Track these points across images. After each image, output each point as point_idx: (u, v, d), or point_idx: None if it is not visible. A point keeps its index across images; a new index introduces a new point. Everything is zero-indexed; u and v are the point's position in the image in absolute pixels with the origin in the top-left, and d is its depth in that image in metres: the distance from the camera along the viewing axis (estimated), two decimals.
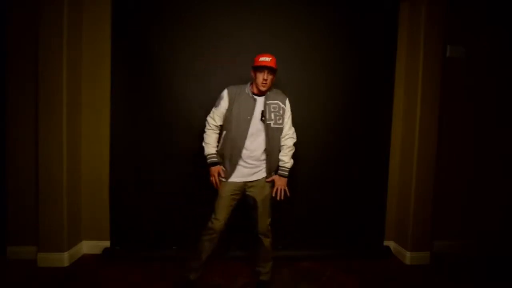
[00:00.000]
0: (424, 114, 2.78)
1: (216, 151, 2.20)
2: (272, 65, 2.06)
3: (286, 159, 2.19)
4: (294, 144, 2.24)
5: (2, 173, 2.66)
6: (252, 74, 2.15)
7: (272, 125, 2.12)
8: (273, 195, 2.18)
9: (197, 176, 2.81)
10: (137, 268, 2.59)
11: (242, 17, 2.79)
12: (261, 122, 2.11)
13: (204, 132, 2.22)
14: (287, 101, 2.21)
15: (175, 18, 2.75)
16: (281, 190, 2.17)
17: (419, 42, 2.77)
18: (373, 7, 2.89)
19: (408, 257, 2.83)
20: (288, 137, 2.21)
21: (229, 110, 2.12)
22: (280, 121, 2.15)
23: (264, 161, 2.16)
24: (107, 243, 2.83)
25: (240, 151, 2.10)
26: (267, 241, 2.24)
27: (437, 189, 2.93)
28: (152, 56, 2.75)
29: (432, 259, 2.88)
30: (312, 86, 2.87)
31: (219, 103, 2.16)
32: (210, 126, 2.19)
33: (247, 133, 2.09)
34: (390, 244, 3.06)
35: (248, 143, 2.10)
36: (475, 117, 3.06)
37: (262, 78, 2.06)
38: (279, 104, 2.16)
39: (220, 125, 2.20)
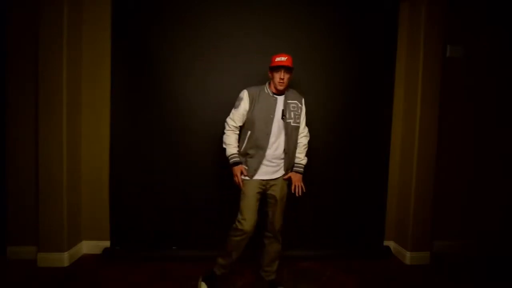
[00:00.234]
0: (424, 114, 2.78)
1: (238, 151, 2.20)
2: (288, 64, 2.10)
3: (301, 156, 2.27)
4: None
5: (2, 173, 2.67)
6: (269, 74, 2.20)
7: (291, 124, 2.17)
8: (292, 192, 2.21)
9: (197, 176, 2.82)
10: (137, 268, 2.59)
11: (242, 17, 2.79)
12: (281, 121, 2.14)
13: (223, 133, 2.23)
14: (303, 101, 2.28)
15: (175, 18, 2.75)
16: (298, 186, 2.21)
17: (419, 42, 2.77)
18: (373, 7, 2.89)
19: (408, 257, 2.83)
20: (303, 135, 2.29)
21: (250, 110, 2.15)
22: (298, 120, 2.21)
23: (283, 160, 2.19)
24: (107, 243, 2.83)
25: (264, 150, 2.12)
26: (280, 239, 2.27)
27: (437, 189, 2.93)
28: (152, 56, 2.75)
29: (432, 259, 2.88)
30: (312, 86, 2.87)
31: (238, 104, 2.17)
32: (230, 127, 2.20)
33: (270, 131, 2.12)
34: (390, 244, 3.07)
35: (271, 141, 2.13)
36: (475, 117, 3.06)
37: (279, 77, 2.10)
38: (297, 103, 2.22)
39: (240, 126, 2.21)
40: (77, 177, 2.75)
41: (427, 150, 2.81)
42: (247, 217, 2.10)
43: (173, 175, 2.81)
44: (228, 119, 2.22)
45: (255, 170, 2.14)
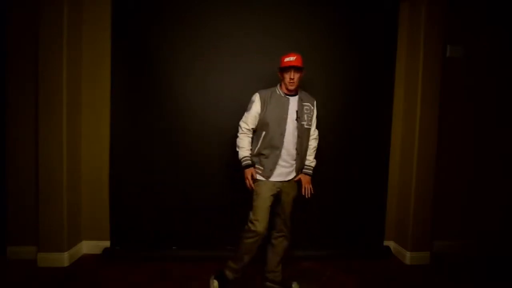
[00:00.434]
0: (424, 114, 2.78)
1: (251, 154, 2.20)
2: (297, 64, 2.10)
3: (311, 158, 2.30)
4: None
5: (2, 173, 2.67)
6: (279, 75, 2.20)
7: (305, 126, 2.19)
8: (302, 194, 2.23)
9: (197, 176, 2.82)
10: (137, 268, 2.59)
11: (242, 17, 2.79)
12: (295, 122, 2.15)
13: (237, 136, 2.23)
14: (315, 103, 2.30)
15: (175, 18, 2.75)
16: (308, 188, 2.23)
17: (419, 42, 2.77)
18: (373, 7, 2.89)
19: (408, 257, 2.83)
20: (313, 138, 2.32)
21: (263, 112, 2.15)
22: (310, 123, 2.23)
23: (295, 161, 2.19)
24: (107, 243, 2.83)
25: (279, 150, 2.12)
26: (288, 240, 2.27)
27: (437, 189, 2.93)
28: (152, 56, 2.75)
29: (432, 259, 2.88)
30: (312, 86, 2.86)
31: (250, 107, 2.18)
32: (243, 130, 2.20)
33: (285, 131, 2.12)
34: (390, 244, 3.06)
35: (286, 142, 2.13)
36: (475, 117, 3.06)
37: (289, 77, 2.11)
38: (310, 106, 2.23)
39: (253, 129, 2.21)
40: (77, 177, 2.75)
41: (427, 150, 2.81)
42: (260, 218, 2.08)
43: (173, 175, 2.81)
44: (241, 122, 2.22)
45: (271, 171, 2.12)
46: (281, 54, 2.79)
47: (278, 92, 2.19)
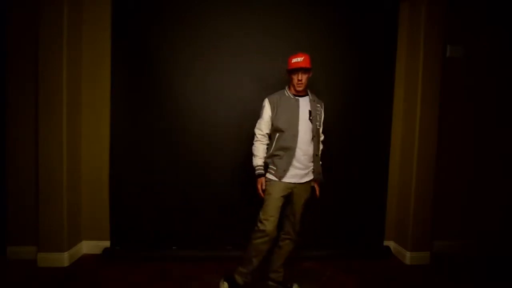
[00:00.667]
0: (424, 114, 2.78)
1: (265, 158, 2.19)
2: (305, 65, 2.09)
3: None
4: None
5: (2, 173, 2.66)
6: (288, 76, 2.19)
7: (317, 127, 2.19)
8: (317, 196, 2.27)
9: (197, 176, 2.82)
10: (137, 268, 2.59)
11: (242, 17, 2.79)
12: (308, 122, 2.14)
13: (252, 144, 2.24)
14: (323, 105, 2.29)
15: (175, 18, 2.75)
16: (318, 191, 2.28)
17: (419, 42, 2.77)
18: (373, 7, 2.89)
19: (408, 257, 2.83)
20: (321, 139, 2.32)
21: (274, 116, 2.15)
22: (320, 124, 2.24)
23: (313, 163, 2.19)
24: (107, 243, 2.83)
25: (293, 150, 2.10)
26: (294, 243, 2.25)
27: (437, 189, 2.93)
28: (152, 56, 2.75)
29: (432, 259, 2.88)
30: (312, 86, 2.85)
31: (262, 113, 2.19)
32: (257, 138, 2.21)
33: (297, 132, 2.11)
34: (390, 244, 3.06)
35: (299, 143, 2.12)
36: (475, 117, 3.06)
37: (297, 79, 2.11)
38: (320, 108, 2.24)
39: (267, 133, 2.21)
40: (77, 177, 2.75)
41: (427, 150, 2.81)
42: (270, 218, 2.06)
43: (173, 175, 2.81)
44: (255, 130, 2.22)
45: (284, 171, 2.10)
46: (281, 54, 2.81)
47: (287, 94, 2.19)
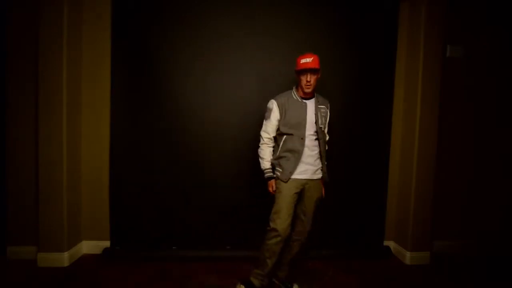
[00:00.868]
0: (424, 114, 2.78)
1: (272, 158, 2.20)
2: (314, 65, 2.06)
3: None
4: None
5: (2, 173, 2.66)
6: (296, 77, 2.17)
7: (322, 129, 2.18)
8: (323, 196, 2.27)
9: (197, 176, 2.82)
10: (137, 268, 2.59)
11: (242, 17, 2.79)
12: (315, 125, 2.14)
13: (258, 146, 2.23)
14: (329, 106, 2.28)
15: (175, 18, 2.75)
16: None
17: (419, 42, 2.77)
18: (373, 7, 2.89)
19: (408, 257, 2.83)
20: (326, 141, 2.31)
21: (282, 118, 2.13)
22: (325, 125, 2.24)
23: (319, 163, 2.19)
24: (107, 243, 2.83)
25: (300, 153, 2.10)
26: (304, 245, 2.23)
27: (437, 189, 2.93)
28: (152, 56, 2.75)
29: (432, 259, 2.88)
30: None
31: (269, 116, 2.16)
32: (264, 141, 2.19)
33: (305, 136, 2.11)
34: (390, 244, 3.06)
35: (307, 146, 2.11)
36: (475, 117, 3.06)
37: (306, 80, 2.08)
38: (325, 108, 2.23)
39: (274, 136, 2.20)
40: (77, 177, 2.75)
41: (427, 150, 2.81)
42: (282, 216, 2.05)
43: (173, 175, 2.81)
44: (262, 132, 2.21)
45: (291, 173, 2.10)
46: (281, 54, 2.82)
47: (295, 97, 2.16)
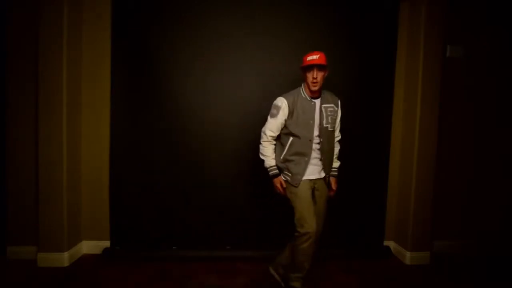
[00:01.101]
0: (424, 114, 2.78)
1: (277, 165, 2.17)
2: (320, 62, 2.03)
3: (336, 159, 2.31)
4: None
5: (2, 173, 2.66)
6: (302, 75, 2.13)
7: (328, 129, 2.14)
8: (331, 194, 2.28)
9: (197, 176, 2.82)
10: (137, 268, 2.59)
11: (242, 17, 2.79)
12: (323, 126, 2.12)
13: (260, 143, 2.19)
14: (339, 103, 2.24)
15: (175, 18, 2.75)
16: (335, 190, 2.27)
17: (419, 42, 2.77)
18: (373, 7, 2.89)
19: (408, 257, 2.83)
20: (338, 139, 2.31)
21: (290, 118, 2.09)
22: (334, 124, 2.19)
23: (323, 163, 2.17)
24: (107, 243, 2.83)
25: (308, 156, 2.08)
26: (318, 242, 2.21)
27: (437, 189, 2.93)
28: (152, 56, 2.75)
29: (432, 259, 2.88)
30: None
31: (276, 113, 2.10)
32: (267, 138, 2.15)
33: (313, 137, 2.09)
34: (390, 244, 3.06)
35: (314, 147, 2.11)
36: (475, 117, 3.06)
37: (312, 77, 2.03)
38: (334, 107, 2.18)
39: (277, 135, 2.17)
40: (77, 177, 2.75)
41: (427, 150, 2.81)
42: (307, 218, 2.02)
43: (173, 175, 2.81)
44: (266, 130, 2.15)
45: (301, 177, 2.09)
46: (281, 54, 2.82)
47: (303, 96, 2.12)
